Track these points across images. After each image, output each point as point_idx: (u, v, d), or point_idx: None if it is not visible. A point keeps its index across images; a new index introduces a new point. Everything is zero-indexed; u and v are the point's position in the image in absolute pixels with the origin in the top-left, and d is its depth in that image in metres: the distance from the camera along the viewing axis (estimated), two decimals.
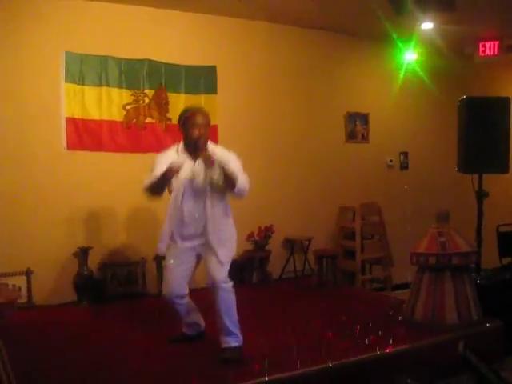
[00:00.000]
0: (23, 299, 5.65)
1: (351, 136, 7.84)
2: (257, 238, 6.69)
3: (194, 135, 4.06)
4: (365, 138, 7.94)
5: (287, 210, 7.12)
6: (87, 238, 5.99)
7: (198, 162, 4.09)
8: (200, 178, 4.10)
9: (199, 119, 4.11)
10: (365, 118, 7.92)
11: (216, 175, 4.06)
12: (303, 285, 6.68)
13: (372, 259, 7.39)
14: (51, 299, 5.80)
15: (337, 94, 7.74)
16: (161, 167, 3.98)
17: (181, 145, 4.21)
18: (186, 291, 4.29)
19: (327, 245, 7.34)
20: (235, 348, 4.04)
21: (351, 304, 5.79)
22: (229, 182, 4.02)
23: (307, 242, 7.12)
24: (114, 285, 6.10)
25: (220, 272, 4.08)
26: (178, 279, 4.23)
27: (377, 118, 7.99)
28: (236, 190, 4.05)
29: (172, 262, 4.24)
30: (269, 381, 3.61)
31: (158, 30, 6.42)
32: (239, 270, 6.39)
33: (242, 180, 4.08)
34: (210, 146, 4.13)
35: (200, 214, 4.13)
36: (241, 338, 4.08)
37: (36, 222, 5.80)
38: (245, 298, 4.42)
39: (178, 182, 4.08)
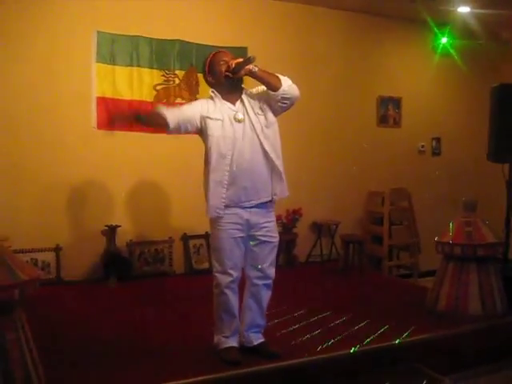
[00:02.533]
0: (52, 275, 5.77)
1: (383, 120, 7.74)
2: (284, 221, 6.68)
3: (229, 68, 3.56)
4: (396, 123, 7.83)
5: (316, 193, 7.07)
6: (115, 216, 6.05)
7: (238, 102, 3.60)
8: (249, 119, 3.56)
9: (225, 56, 3.64)
10: (397, 103, 7.80)
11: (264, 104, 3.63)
12: (328, 269, 6.67)
13: (399, 245, 7.32)
14: (79, 275, 5.90)
15: (370, 77, 7.64)
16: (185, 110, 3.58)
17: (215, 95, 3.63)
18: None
19: (355, 230, 7.30)
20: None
21: (375, 290, 5.78)
22: (270, 81, 3.52)
23: (335, 227, 7.08)
24: (141, 263, 6.18)
25: (274, 267, 3.70)
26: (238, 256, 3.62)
27: (410, 102, 7.85)
28: (286, 87, 3.51)
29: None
30: (283, 366, 3.62)
31: (189, 10, 6.40)
32: None
33: (285, 78, 3.56)
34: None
35: (260, 168, 3.58)
36: None
37: (65, 200, 5.89)
38: None
39: (219, 135, 3.50)
